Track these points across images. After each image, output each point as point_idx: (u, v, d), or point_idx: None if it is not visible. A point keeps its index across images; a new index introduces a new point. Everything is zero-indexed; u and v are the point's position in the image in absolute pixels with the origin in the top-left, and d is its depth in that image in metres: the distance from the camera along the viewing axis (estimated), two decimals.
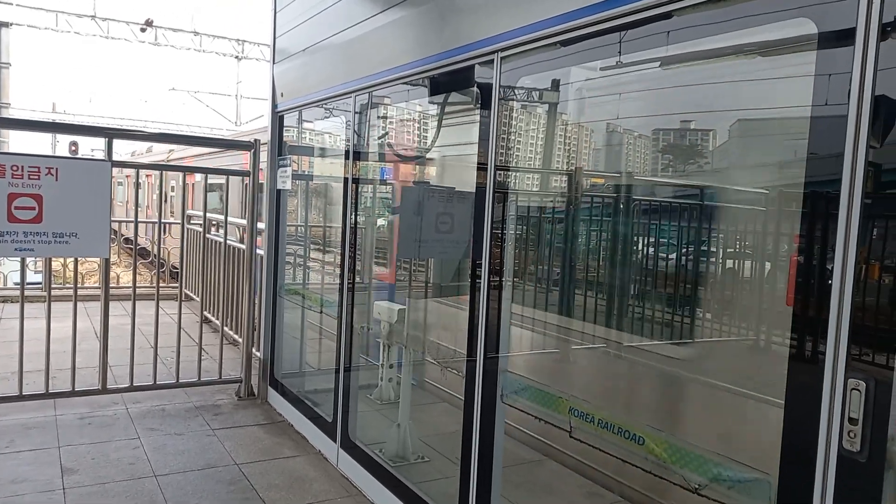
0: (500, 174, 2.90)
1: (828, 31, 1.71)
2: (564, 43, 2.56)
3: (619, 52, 2.44)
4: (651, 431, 2.23)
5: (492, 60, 2.85)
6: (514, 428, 3.59)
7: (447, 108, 4.36)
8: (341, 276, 4.23)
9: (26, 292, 4.95)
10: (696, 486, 2.03)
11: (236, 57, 27.52)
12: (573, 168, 4.32)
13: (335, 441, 4.18)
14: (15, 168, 4.27)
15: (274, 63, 5.30)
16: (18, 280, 5.44)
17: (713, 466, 2.02)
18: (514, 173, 3.23)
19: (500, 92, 2.84)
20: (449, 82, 3.45)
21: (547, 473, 4.07)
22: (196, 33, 25.72)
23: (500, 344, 2.91)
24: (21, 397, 4.75)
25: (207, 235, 7.36)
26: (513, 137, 3.18)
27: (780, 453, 1.78)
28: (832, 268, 1.66)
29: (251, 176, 5.45)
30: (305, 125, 5.42)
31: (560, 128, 4.19)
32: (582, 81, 3.47)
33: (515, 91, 3.00)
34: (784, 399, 1.78)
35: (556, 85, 3.64)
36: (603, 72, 3.20)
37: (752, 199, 3.58)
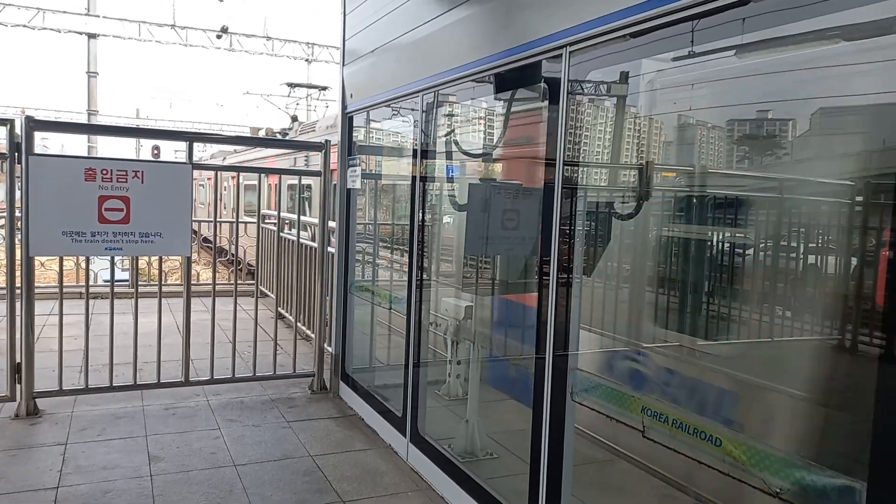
0: (567, 169, 2.87)
1: None
2: (635, 35, 2.51)
3: (692, 42, 2.37)
4: (728, 433, 2.16)
5: (560, 55, 2.82)
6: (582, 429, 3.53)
7: (514, 105, 4.34)
8: (409, 272, 4.28)
9: (115, 289, 5.24)
10: (777, 491, 1.96)
11: (306, 60, 28.27)
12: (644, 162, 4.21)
13: (405, 435, 4.24)
14: (105, 172, 4.51)
15: (343, 65, 5.40)
16: (108, 277, 5.75)
17: (796, 470, 1.94)
18: (584, 168, 3.18)
19: (568, 86, 2.81)
20: (516, 78, 3.43)
21: (619, 473, 4.00)
22: (268, 38, 26.60)
23: (569, 341, 2.88)
24: (111, 388, 5.04)
25: (281, 234, 7.60)
26: (581, 132, 3.13)
27: (869, 459, 1.70)
28: None
29: (322, 176, 5.57)
30: (373, 125, 5.50)
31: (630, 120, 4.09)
32: (653, 73, 3.39)
33: (583, 85, 2.95)
34: (874, 403, 1.70)
35: (625, 77, 3.56)
36: (675, 62, 3.11)
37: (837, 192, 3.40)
